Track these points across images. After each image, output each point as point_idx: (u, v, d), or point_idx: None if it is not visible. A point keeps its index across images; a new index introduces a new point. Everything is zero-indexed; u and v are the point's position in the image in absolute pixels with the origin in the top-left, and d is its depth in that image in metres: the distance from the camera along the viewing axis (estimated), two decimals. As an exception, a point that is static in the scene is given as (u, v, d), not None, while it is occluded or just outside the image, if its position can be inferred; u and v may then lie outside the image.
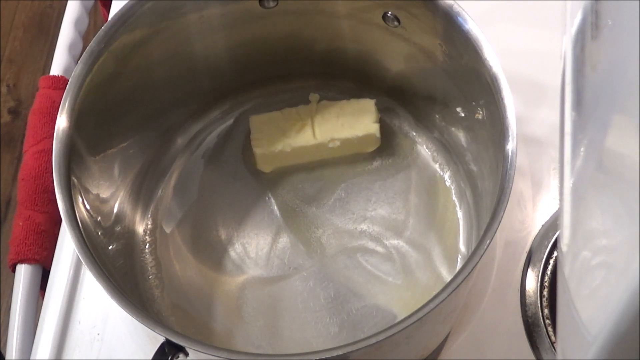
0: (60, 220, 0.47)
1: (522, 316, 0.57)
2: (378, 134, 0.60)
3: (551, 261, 0.58)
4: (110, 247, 0.54)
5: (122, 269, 0.55)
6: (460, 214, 0.59)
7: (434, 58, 0.55)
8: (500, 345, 0.56)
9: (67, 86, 0.50)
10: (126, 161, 0.58)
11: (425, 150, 0.62)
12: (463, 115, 0.57)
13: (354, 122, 0.60)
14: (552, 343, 0.55)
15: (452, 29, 0.51)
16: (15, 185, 1.25)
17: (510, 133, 0.47)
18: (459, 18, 0.50)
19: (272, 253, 0.59)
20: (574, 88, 0.32)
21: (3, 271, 1.17)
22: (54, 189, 0.47)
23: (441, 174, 0.61)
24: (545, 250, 0.58)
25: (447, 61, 0.54)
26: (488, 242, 0.44)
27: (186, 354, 0.43)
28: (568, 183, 0.32)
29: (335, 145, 0.60)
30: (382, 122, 0.63)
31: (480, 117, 0.53)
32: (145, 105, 0.58)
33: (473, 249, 0.44)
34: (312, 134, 0.60)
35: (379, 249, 0.58)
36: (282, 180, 0.62)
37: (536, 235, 0.59)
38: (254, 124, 0.61)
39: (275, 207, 0.61)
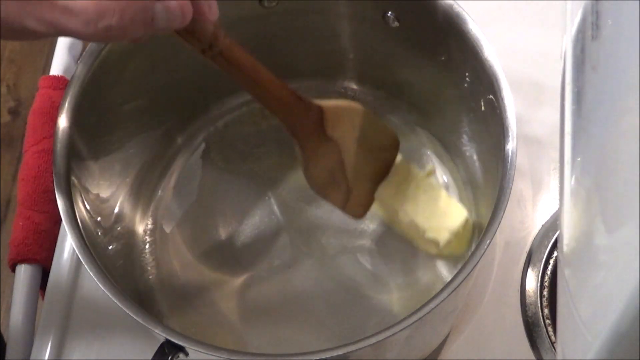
0: (60, 220, 0.47)
1: (522, 316, 0.57)
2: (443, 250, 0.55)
3: (551, 261, 0.58)
4: (110, 247, 0.54)
5: (122, 269, 0.55)
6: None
7: (434, 57, 0.55)
8: (500, 345, 0.56)
9: (67, 86, 0.50)
10: (126, 161, 0.58)
11: (425, 149, 0.62)
12: (463, 114, 0.57)
13: (439, 220, 0.55)
14: (552, 343, 0.55)
15: (452, 29, 0.51)
16: (15, 185, 1.25)
17: (510, 133, 0.47)
18: (459, 18, 0.50)
19: (272, 253, 0.59)
20: (574, 88, 0.32)
21: (3, 271, 1.17)
22: (54, 189, 0.47)
23: (441, 173, 0.61)
24: (545, 250, 0.58)
25: (447, 61, 0.54)
26: (488, 242, 0.44)
27: (186, 354, 0.43)
28: (568, 183, 0.32)
29: (403, 219, 0.56)
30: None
31: (480, 117, 0.53)
32: (145, 105, 0.58)
33: (473, 249, 0.44)
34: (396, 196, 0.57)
35: (379, 248, 0.58)
36: (282, 180, 0.62)
37: (536, 235, 0.59)
38: None
39: (275, 207, 0.61)
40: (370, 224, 0.59)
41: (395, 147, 0.56)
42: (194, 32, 0.40)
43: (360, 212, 0.56)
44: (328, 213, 0.60)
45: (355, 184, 0.54)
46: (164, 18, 0.35)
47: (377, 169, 0.55)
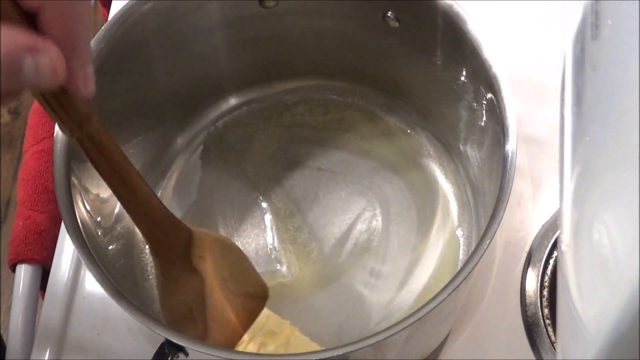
0: (60, 220, 0.47)
1: (522, 316, 0.57)
2: None
3: (551, 261, 0.58)
4: (110, 247, 0.54)
5: (122, 269, 0.55)
6: (460, 214, 0.59)
7: (434, 58, 0.55)
8: (500, 345, 0.56)
9: (67, 86, 0.50)
10: (126, 161, 0.58)
11: (425, 150, 0.62)
12: (463, 114, 0.57)
13: None
14: (552, 343, 0.55)
15: (452, 29, 0.51)
16: (15, 185, 1.25)
17: (510, 133, 0.47)
18: (458, 18, 0.50)
19: (272, 253, 0.59)
20: (574, 88, 0.32)
21: (3, 271, 1.17)
22: (54, 189, 0.47)
23: (441, 174, 0.61)
24: (545, 250, 0.58)
25: (447, 61, 0.54)
26: (488, 242, 0.44)
27: (186, 354, 0.43)
28: (568, 183, 0.32)
29: None
30: (382, 122, 0.63)
31: (480, 117, 0.53)
32: (145, 105, 0.58)
33: (473, 249, 0.44)
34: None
35: (379, 248, 0.58)
36: (282, 180, 0.62)
37: (536, 235, 0.59)
38: None
39: (276, 207, 0.60)
40: (370, 223, 0.59)
41: (263, 299, 0.51)
42: (64, 104, 0.36)
43: None
44: (328, 213, 0.60)
45: (214, 326, 0.48)
46: (33, 74, 0.32)
47: (241, 316, 0.50)
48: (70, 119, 0.37)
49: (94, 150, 0.40)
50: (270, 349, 0.50)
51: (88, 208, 0.51)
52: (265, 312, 0.51)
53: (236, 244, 0.55)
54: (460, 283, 0.43)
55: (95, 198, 0.53)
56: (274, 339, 0.51)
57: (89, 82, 0.35)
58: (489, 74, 0.49)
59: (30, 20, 0.32)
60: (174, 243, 0.46)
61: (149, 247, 0.46)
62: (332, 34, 0.60)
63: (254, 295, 0.52)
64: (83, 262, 0.45)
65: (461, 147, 0.59)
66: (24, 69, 0.31)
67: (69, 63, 0.33)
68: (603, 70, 0.29)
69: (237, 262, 0.51)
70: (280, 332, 0.51)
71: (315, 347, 0.52)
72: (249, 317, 0.50)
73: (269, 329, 0.51)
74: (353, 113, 0.64)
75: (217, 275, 0.48)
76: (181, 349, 0.43)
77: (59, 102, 0.36)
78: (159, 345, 0.43)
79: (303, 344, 0.51)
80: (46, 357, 0.56)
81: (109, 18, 0.53)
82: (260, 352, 0.50)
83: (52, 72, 0.32)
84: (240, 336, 0.49)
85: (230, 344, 0.49)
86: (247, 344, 0.49)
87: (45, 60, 0.32)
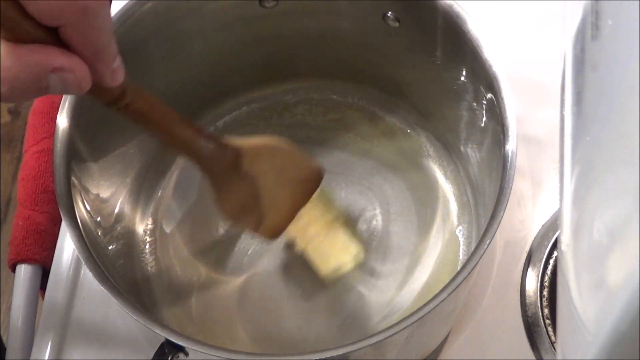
0: (60, 220, 0.47)
1: (522, 316, 0.57)
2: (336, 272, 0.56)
3: (551, 261, 0.58)
4: (110, 247, 0.54)
5: (122, 269, 0.55)
6: (460, 214, 0.59)
7: (434, 58, 0.55)
8: (500, 345, 0.56)
9: (67, 86, 0.50)
10: (126, 161, 0.58)
11: (425, 150, 0.62)
12: (463, 115, 0.57)
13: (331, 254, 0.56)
14: (552, 343, 0.55)
15: (452, 29, 0.51)
16: (15, 185, 1.25)
17: (510, 133, 0.47)
18: (459, 18, 0.50)
19: (272, 253, 0.59)
20: (574, 88, 0.32)
21: (3, 271, 1.17)
22: (54, 189, 0.47)
23: (441, 174, 0.61)
24: (545, 250, 0.58)
25: (447, 61, 0.54)
26: (488, 242, 0.44)
27: (186, 354, 0.43)
28: (568, 183, 0.32)
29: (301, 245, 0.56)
30: (382, 122, 0.63)
31: (480, 117, 0.53)
32: (145, 105, 0.58)
33: (473, 249, 0.44)
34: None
35: (379, 248, 0.58)
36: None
37: (536, 235, 0.59)
38: None
39: (275, 207, 0.61)
40: (370, 223, 0.59)
41: (318, 179, 0.54)
42: (95, 91, 0.38)
43: (272, 235, 0.54)
44: (328, 213, 0.60)
45: (270, 211, 0.52)
46: (59, 87, 0.33)
47: (296, 199, 0.53)
48: (103, 99, 0.39)
49: (133, 115, 0.42)
50: (312, 231, 0.55)
51: (88, 208, 0.51)
52: (318, 190, 0.54)
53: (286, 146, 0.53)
54: (460, 283, 0.43)
55: (95, 198, 0.53)
56: (319, 220, 0.55)
57: (117, 74, 0.37)
58: (489, 74, 0.49)
59: (53, 33, 0.33)
60: (223, 162, 0.48)
61: (200, 170, 0.48)
62: (332, 34, 0.60)
63: (307, 180, 0.54)
64: (83, 262, 0.45)
65: (461, 147, 0.59)
66: (50, 85, 0.33)
67: (94, 65, 0.34)
68: (603, 70, 0.29)
69: (287, 158, 0.52)
70: (326, 214, 0.56)
71: (347, 241, 0.56)
72: (303, 200, 0.53)
73: (317, 209, 0.55)
74: (353, 113, 0.64)
75: (269, 173, 0.51)
76: (181, 349, 0.43)
77: (90, 90, 0.37)
78: (159, 345, 0.43)
79: (339, 235, 0.56)
80: (46, 357, 0.56)
81: (109, 18, 0.53)
82: (300, 235, 0.55)
83: (77, 84, 0.34)
84: (293, 217, 0.53)
85: (284, 225, 0.53)
86: (293, 224, 0.53)
87: (70, 77, 0.33)
